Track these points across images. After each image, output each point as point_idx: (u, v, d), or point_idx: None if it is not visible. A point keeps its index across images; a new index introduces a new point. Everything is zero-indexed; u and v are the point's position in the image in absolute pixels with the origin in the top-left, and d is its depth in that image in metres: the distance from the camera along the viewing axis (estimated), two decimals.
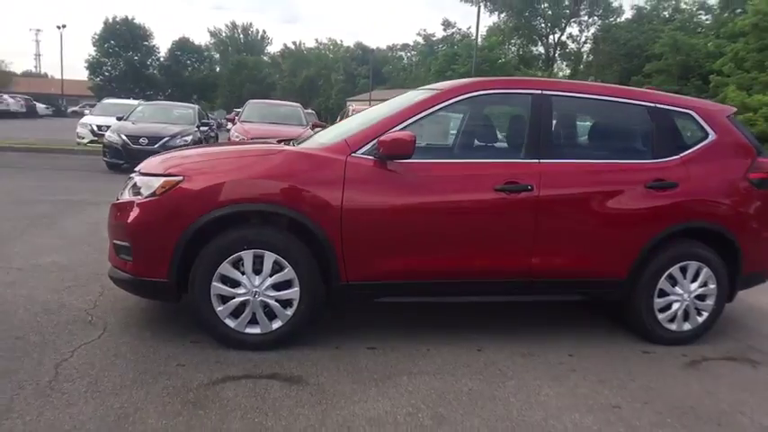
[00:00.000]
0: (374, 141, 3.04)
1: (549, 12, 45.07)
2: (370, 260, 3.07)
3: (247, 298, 2.99)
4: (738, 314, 4.32)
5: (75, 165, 11.32)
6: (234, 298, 2.98)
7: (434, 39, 54.39)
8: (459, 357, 3.12)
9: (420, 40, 59.65)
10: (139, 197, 3.02)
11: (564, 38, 46.83)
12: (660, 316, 3.48)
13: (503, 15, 46.55)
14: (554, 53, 46.92)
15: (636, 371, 3.10)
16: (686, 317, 3.52)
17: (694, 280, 3.48)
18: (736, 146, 3.61)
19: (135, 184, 3.12)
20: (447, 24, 49.78)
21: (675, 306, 3.48)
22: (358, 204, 3.00)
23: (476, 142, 3.77)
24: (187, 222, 2.89)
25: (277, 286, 3.01)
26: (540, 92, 3.34)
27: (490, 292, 3.33)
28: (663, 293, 3.46)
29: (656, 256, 3.39)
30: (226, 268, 2.95)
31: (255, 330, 3.03)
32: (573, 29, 46.58)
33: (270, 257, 2.97)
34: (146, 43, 59.34)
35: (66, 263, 4.38)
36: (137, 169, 3.27)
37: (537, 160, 3.23)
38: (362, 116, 3.68)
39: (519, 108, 3.48)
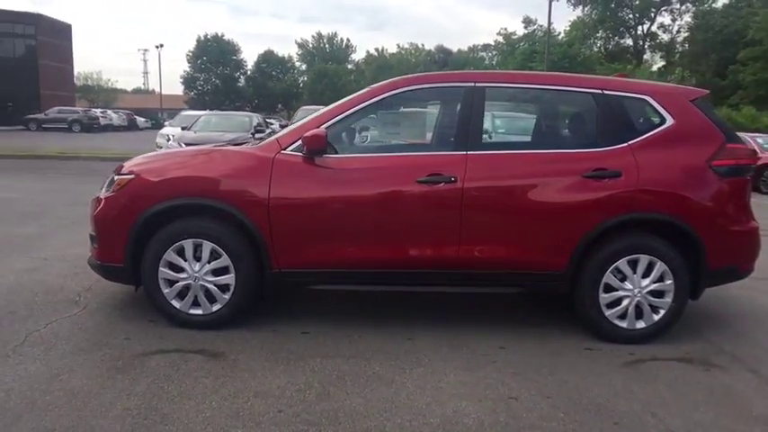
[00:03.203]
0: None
1: (637, 1, 42.41)
2: (298, 249, 3.27)
3: (189, 282, 3.31)
4: (729, 314, 4.01)
5: None
6: (178, 282, 3.32)
7: (515, 37, 53.22)
8: (384, 345, 3.22)
9: (501, 39, 58.69)
10: (106, 193, 3.45)
11: (654, 28, 43.90)
12: (608, 312, 3.34)
13: (586, 8, 44.50)
14: (643, 45, 44.07)
15: (563, 367, 3.02)
16: (640, 314, 3.36)
17: (647, 275, 3.31)
18: (699, 132, 3.38)
19: (110, 182, 3.56)
20: (528, 22, 48.46)
21: (625, 302, 3.33)
22: (284, 197, 3.21)
23: (408, 136, 3.84)
24: (136, 215, 3.27)
25: (215, 272, 3.30)
26: (472, 84, 3.36)
27: (419, 283, 3.39)
28: (610, 288, 3.32)
29: (598, 248, 3.28)
30: (170, 255, 3.29)
31: (198, 311, 3.35)
32: (664, 18, 43.52)
33: (207, 246, 3.27)
34: (234, 58, 63.31)
35: (85, 254, 4.96)
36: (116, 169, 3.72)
37: (464, 152, 3.26)
38: (312, 115, 3.89)
39: (451, 101, 3.51)
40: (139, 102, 64.24)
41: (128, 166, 3.51)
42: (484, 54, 70.94)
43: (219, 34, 62.65)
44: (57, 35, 43.02)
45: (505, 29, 56.72)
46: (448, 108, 3.60)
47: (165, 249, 3.28)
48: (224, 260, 3.28)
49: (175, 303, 3.34)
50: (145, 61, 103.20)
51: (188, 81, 62.41)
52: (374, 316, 3.68)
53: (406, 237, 3.26)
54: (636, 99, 3.41)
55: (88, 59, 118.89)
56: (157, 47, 62.95)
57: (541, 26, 47.53)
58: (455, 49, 74.36)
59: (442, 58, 69.53)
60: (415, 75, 3.56)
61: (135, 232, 3.28)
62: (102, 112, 37.88)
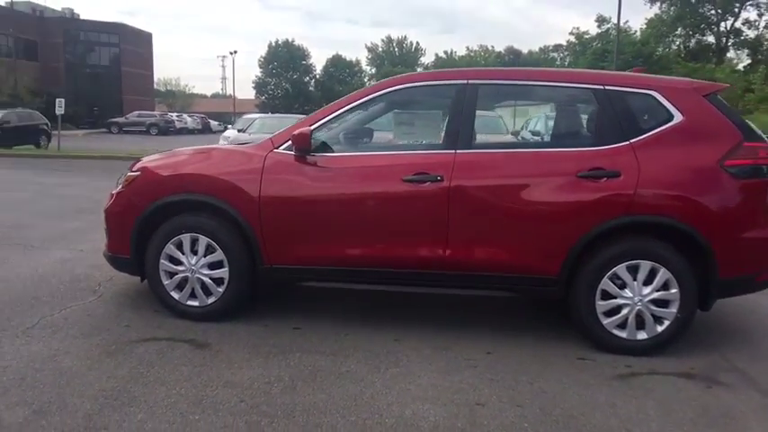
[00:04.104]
0: None
1: None
2: (287, 246, 3.33)
3: (187, 275, 3.46)
4: (752, 329, 3.68)
5: None
6: (177, 274, 3.48)
7: (587, 37, 51.24)
8: (369, 344, 3.22)
9: (573, 39, 56.75)
10: (117, 189, 3.68)
11: (738, 24, 40.77)
12: (606, 321, 3.16)
13: (664, 5, 42.07)
14: (726, 42, 41.03)
15: (547, 376, 2.89)
16: (641, 324, 3.15)
17: (649, 282, 3.10)
18: (712, 129, 3.12)
19: (122, 178, 3.79)
20: (601, 20, 46.51)
21: (625, 311, 3.14)
22: (274, 195, 3.29)
23: (401, 135, 3.80)
24: (140, 210, 3.47)
25: (211, 266, 3.43)
26: (465, 82, 3.29)
27: (407, 282, 3.36)
28: (608, 295, 3.14)
29: (594, 252, 3.11)
30: (170, 249, 3.46)
31: (195, 303, 3.49)
32: (749, 13, 40.39)
33: (203, 240, 3.41)
34: (303, 62, 65.23)
35: None
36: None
37: (453, 151, 3.19)
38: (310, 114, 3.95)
39: (443, 100, 3.45)
40: (216, 106, 67.62)
41: (138, 163, 3.72)
42: (555, 55, 69.08)
43: (290, 40, 64.84)
44: (138, 44, 46.23)
45: (578, 28, 54.73)
46: (440, 107, 3.55)
47: (166, 243, 3.45)
48: (218, 254, 3.40)
49: (174, 294, 3.50)
50: (223, 67, 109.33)
51: (259, 86, 64.97)
52: (368, 315, 3.68)
53: (392, 236, 3.24)
54: (641, 95, 3.20)
55: (169, 66, 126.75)
56: (231, 53, 66.24)
57: (616, 25, 45.57)
58: (525, 51, 72.85)
59: (512, 60, 68.17)
60: (408, 74, 3.53)
61: (139, 226, 3.47)
62: (177, 116, 40.28)
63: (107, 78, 43.04)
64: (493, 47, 77.86)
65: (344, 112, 3.40)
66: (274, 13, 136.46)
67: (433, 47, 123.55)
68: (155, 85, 55.89)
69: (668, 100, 3.16)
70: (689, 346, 3.28)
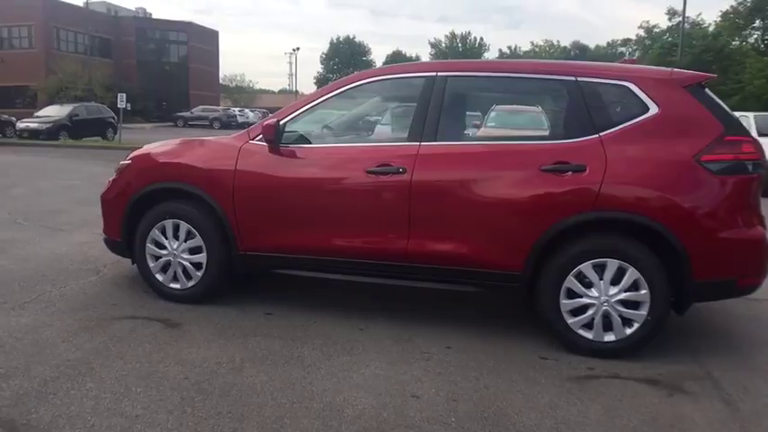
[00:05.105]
0: None
1: None
2: (258, 233, 3.44)
3: (169, 259, 3.65)
4: (743, 336, 3.44)
5: None
6: (161, 258, 3.67)
7: (657, 30, 48.57)
8: (332, 332, 3.27)
9: (642, 33, 54.01)
10: (112, 177, 3.93)
11: None
12: (571, 320, 3.05)
13: None
14: None
15: (499, 373, 2.83)
16: (609, 326, 3.02)
17: (617, 282, 2.97)
18: (690, 122, 2.94)
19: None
20: (672, 13, 43.92)
21: (590, 311, 3.02)
22: (246, 184, 3.40)
23: (370, 128, 3.79)
24: (128, 196, 3.69)
25: (191, 251, 3.60)
26: (434, 74, 3.26)
27: (372, 274, 3.36)
28: (573, 294, 3.03)
29: (559, 249, 3.01)
30: (155, 233, 3.66)
31: (177, 286, 3.67)
32: None
33: (184, 226, 3.58)
34: (364, 58, 65.85)
35: None
36: None
37: (418, 143, 3.18)
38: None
39: (411, 92, 3.41)
40: (281, 101, 69.45)
41: (133, 153, 3.95)
42: (624, 49, 66.15)
43: (351, 36, 65.68)
44: (205, 41, 48.23)
45: (647, 22, 51.86)
46: (409, 99, 3.52)
47: (151, 228, 3.65)
48: (197, 240, 3.57)
49: (159, 277, 3.70)
50: (290, 64, 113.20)
51: (321, 82, 66.22)
52: (341, 304, 3.72)
53: (356, 227, 3.27)
54: (615, 86, 3.05)
55: (240, 63, 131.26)
56: (294, 50, 67.95)
57: (687, 18, 42.85)
58: (592, 45, 70.16)
59: (578, 55, 65.75)
60: (380, 67, 3.54)
61: (128, 211, 3.69)
62: (240, 111, 41.75)
63: (175, 74, 45.23)
64: (558, 42, 75.47)
65: (317, 104, 3.46)
66: (341, 10, 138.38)
67: (497, 42, 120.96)
68: (221, 81, 58.23)
69: (643, 91, 2.99)
70: (666, 351, 3.12)
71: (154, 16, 49.79)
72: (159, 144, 3.96)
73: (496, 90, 3.46)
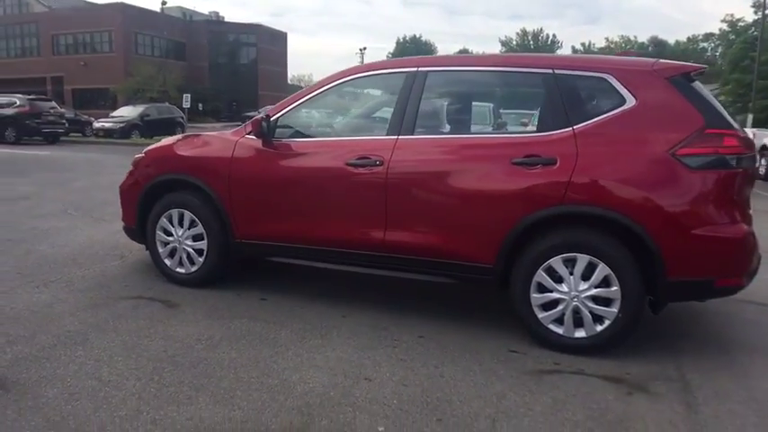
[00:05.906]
0: None
1: None
2: (251, 222, 3.66)
3: (175, 245, 3.95)
4: (736, 339, 3.26)
5: None
6: (169, 244, 3.98)
7: (742, 24, 45.07)
8: (315, 317, 3.42)
9: (725, 27, 50.32)
10: (129, 169, 4.29)
11: None
12: (542, 314, 3.04)
13: None
14: None
15: (461, 364, 2.86)
16: (580, 322, 2.97)
17: (587, 278, 2.92)
18: (668, 114, 2.84)
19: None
20: (758, 6, 40.58)
21: (561, 306, 2.99)
22: (240, 176, 3.63)
23: (355, 123, 3.87)
24: (141, 187, 4.03)
25: (194, 238, 3.89)
26: (415, 69, 3.33)
27: (352, 263, 3.48)
28: (543, 288, 3.02)
29: (530, 242, 3.00)
30: (163, 221, 3.97)
31: (182, 270, 3.97)
32: None
33: (188, 216, 3.87)
34: None
35: None
36: None
37: (395, 137, 3.26)
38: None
39: (392, 87, 3.49)
40: None
41: (146, 148, 4.29)
42: (705, 45, 62.03)
43: (417, 36, 65.93)
44: (274, 42, 49.97)
45: (732, 15, 48.22)
46: (392, 94, 3.60)
47: (160, 216, 3.97)
48: (199, 228, 3.84)
49: (167, 261, 4.02)
50: (361, 62, 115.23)
51: None
52: (331, 293, 3.87)
53: (337, 217, 3.41)
54: (592, 78, 3.00)
55: (312, 63, 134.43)
56: (361, 50, 69.06)
57: (764, 10, 39.44)
58: (672, 41, 66.32)
59: (656, 51, 62.30)
60: (365, 63, 3.64)
61: (141, 200, 4.03)
62: None
63: (245, 75, 47.26)
64: (635, 37, 71.96)
65: (307, 100, 3.63)
66: (414, 8, 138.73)
67: (572, 39, 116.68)
68: (289, 82, 60.16)
69: (622, 83, 2.92)
70: (647, 351, 3.05)
71: (226, 20, 52.23)
72: (171, 139, 4.28)
73: (477, 84, 3.47)
